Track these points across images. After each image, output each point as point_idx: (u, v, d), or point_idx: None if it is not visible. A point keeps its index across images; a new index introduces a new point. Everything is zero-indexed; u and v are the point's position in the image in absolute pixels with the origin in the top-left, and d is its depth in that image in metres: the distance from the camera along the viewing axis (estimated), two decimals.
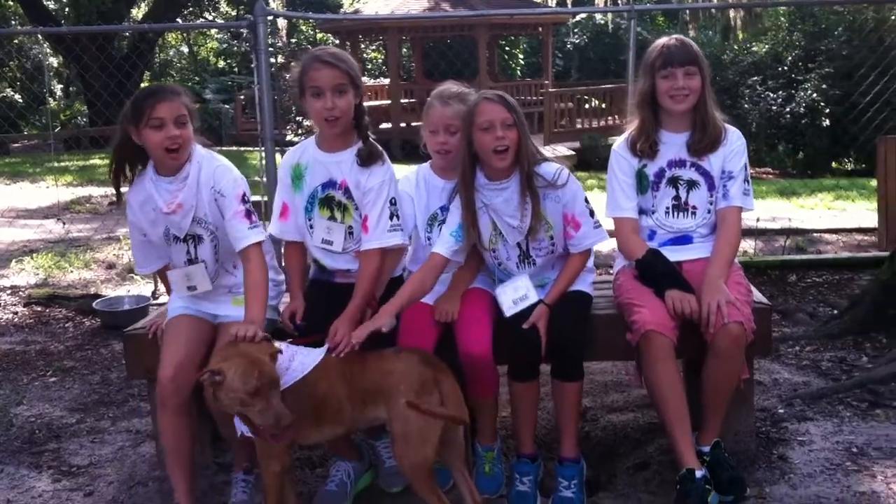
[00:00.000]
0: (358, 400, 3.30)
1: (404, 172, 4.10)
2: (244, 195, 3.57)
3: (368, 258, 3.61)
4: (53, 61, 30.31)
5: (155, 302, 6.69)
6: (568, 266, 3.74)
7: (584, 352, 3.69)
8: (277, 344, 3.26)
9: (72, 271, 8.58)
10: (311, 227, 3.78)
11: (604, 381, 5.08)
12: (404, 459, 3.22)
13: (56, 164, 17.82)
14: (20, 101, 27.38)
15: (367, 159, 3.62)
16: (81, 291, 7.66)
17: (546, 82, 22.26)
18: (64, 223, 10.11)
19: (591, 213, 3.69)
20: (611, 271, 4.26)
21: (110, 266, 8.75)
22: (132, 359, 4.00)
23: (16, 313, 7.01)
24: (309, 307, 3.73)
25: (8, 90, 27.19)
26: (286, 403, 3.08)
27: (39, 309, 7.08)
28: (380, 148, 3.64)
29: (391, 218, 3.63)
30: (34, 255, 9.09)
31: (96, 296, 7.16)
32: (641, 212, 3.90)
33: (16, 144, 23.94)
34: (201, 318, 3.73)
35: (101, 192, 13.36)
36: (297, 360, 3.28)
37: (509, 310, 3.68)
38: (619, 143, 3.94)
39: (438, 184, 3.89)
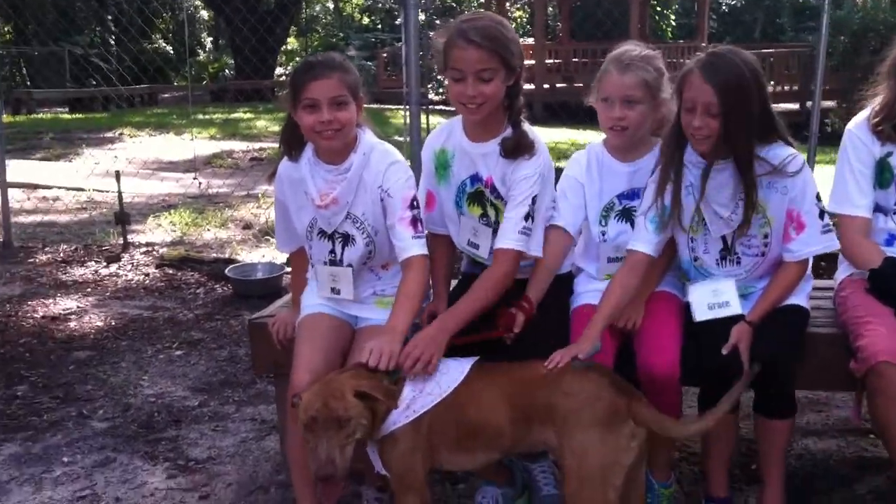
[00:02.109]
0: (523, 421, 2.70)
1: (549, 137, 3.43)
2: (413, 200, 3.00)
3: (500, 259, 3.01)
4: (204, 14, 30.74)
5: (289, 269, 6.24)
6: (781, 276, 3.01)
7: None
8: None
9: (208, 230, 8.31)
10: (460, 224, 3.20)
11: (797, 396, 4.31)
12: (577, 502, 2.61)
13: (200, 117, 17.87)
14: (171, 52, 27.87)
15: (512, 151, 2.98)
16: (216, 253, 7.35)
17: (702, 45, 20.96)
18: (200, 183, 9.89)
19: (822, 214, 2.94)
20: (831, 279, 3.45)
21: (247, 226, 8.44)
22: (259, 350, 3.51)
23: (147, 275, 6.73)
24: None
25: (160, 41, 27.71)
26: (431, 428, 2.65)
27: (171, 272, 6.77)
28: (531, 137, 3.00)
29: (526, 219, 2.99)
30: (172, 210, 8.87)
31: (229, 261, 6.81)
32: (878, 209, 3.12)
33: (165, 95, 24.33)
34: (341, 319, 3.20)
35: (242, 147, 13.20)
36: (431, 384, 2.72)
37: (702, 315, 3.00)
38: (856, 122, 3.16)
39: (616, 167, 3.20)
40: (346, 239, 3.09)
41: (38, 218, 8.84)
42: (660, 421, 2.63)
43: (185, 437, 4.14)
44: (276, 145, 13.31)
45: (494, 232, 3.09)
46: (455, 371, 2.75)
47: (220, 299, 6.18)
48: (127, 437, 4.13)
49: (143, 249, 7.40)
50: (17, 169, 10.61)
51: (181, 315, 5.86)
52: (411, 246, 2.96)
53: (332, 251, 3.12)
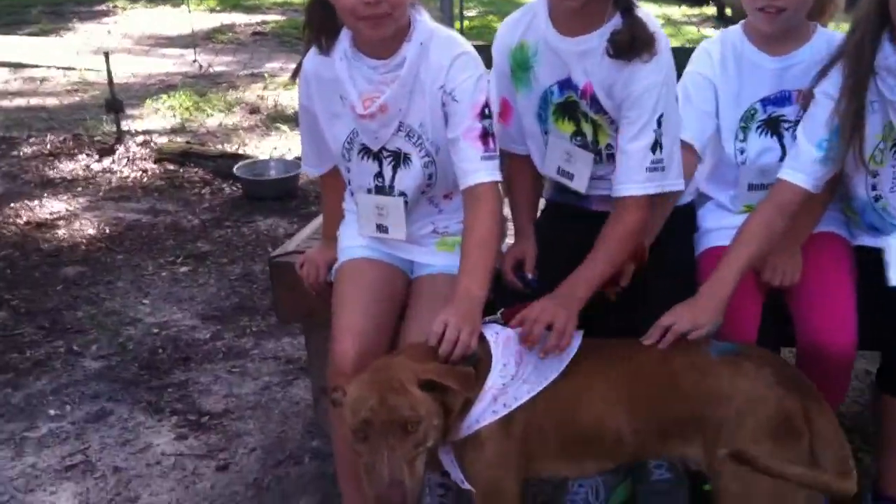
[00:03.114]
0: (655, 432, 1.99)
1: (683, 38, 2.57)
2: (485, 107, 2.19)
3: (626, 208, 2.20)
4: None
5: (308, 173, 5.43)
6: None
7: None
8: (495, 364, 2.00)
9: (211, 115, 7.45)
10: (546, 143, 2.40)
11: None
12: None
13: None
14: None
15: (625, 49, 2.13)
16: (221, 143, 6.53)
17: None
18: (201, 66, 8.98)
19: None
20: None
21: (254, 110, 7.58)
22: (284, 297, 2.78)
23: (145, 171, 5.94)
24: (545, 249, 2.39)
25: None
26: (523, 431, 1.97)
27: (172, 168, 5.97)
28: (651, 28, 2.14)
29: (654, 149, 2.17)
30: (171, 93, 8.00)
31: (237, 156, 6.01)
32: None
33: None
34: (392, 265, 2.45)
35: (244, 20, 12.18)
36: (527, 368, 1.99)
37: None
38: None
39: (762, 62, 2.37)
40: (398, 158, 2.31)
41: (23, 102, 7.98)
42: (839, 440, 1.90)
43: (195, 381, 3.45)
44: (281, 17, 12.45)
45: (597, 156, 2.30)
46: (546, 369, 2.02)
47: (229, 201, 5.41)
48: (126, 382, 3.44)
49: (140, 139, 6.57)
50: (2, 45, 9.73)
51: (185, 221, 5.10)
52: (478, 169, 2.16)
53: (380, 175, 2.35)
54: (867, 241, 2.35)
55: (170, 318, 3.96)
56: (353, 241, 2.46)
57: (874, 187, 2.27)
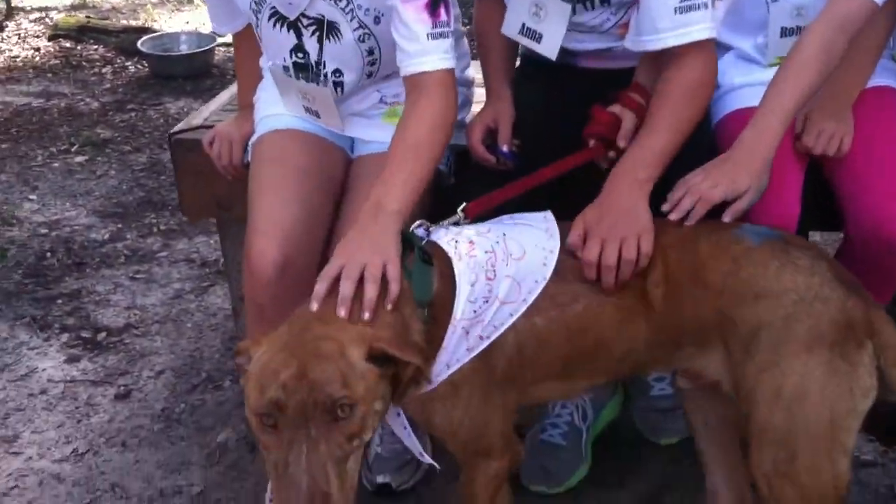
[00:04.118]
0: (669, 340, 1.52)
1: None
2: None
3: (680, 63, 1.62)
4: None
5: (223, 41, 4.77)
6: None
7: None
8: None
9: None
10: None
11: None
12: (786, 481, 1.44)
13: None
14: None
15: None
16: (126, 19, 5.79)
17: None
18: None
19: None
20: None
21: None
22: (189, 184, 2.20)
23: (37, 49, 5.20)
24: (525, 115, 1.84)
25: None
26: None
27: (69, 45, 5.25)
28: None
29: None
30: None
31: (143, 30, 5.29)
32: None
33: None
34: (326, 140, 1.89)
35: None
36: (503, 283, 1.45)
37: None
38: None
39: None
40: (322, 28, 1.73)
41: None
42: None
43: (90, 290, 2.88)
44: None
45: (583, 5, 1.73)
46: (536, 254, 1.49)
47: (134, 81, 4.74)
48: (7, 294, 2.86)
49: (34, 16, 5.79)
50: None
51: (83, 104, 4.44)
52: (425, 52, 1.57)
53: (300, 49, 1.77)
54: None
55: (62, 215, 3.36)
56: (275, 108, 1.89)
57: None
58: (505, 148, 1.77)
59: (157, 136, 4.03)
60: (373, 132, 1.87)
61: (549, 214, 1.55)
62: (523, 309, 1.44)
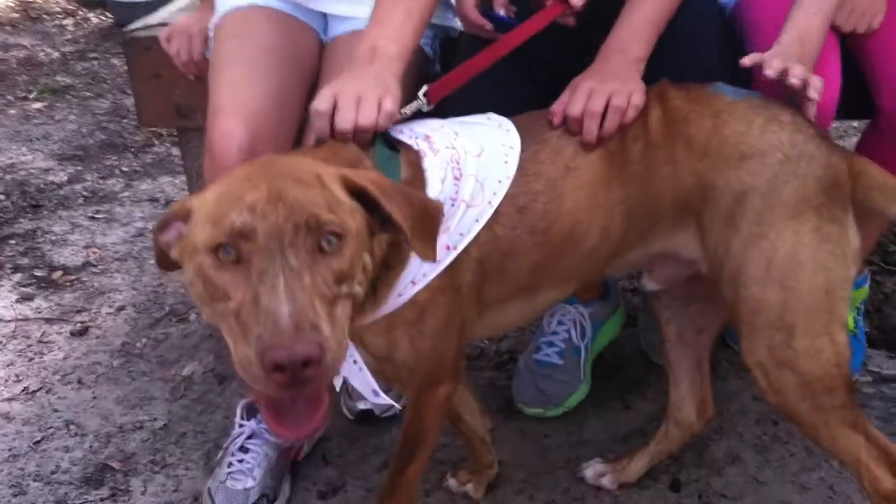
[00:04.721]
0: (644, 216, 1.34)
1: None
2: None
3: None
4: None
5: None
6: None
7: None
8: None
9: None
10: None
11: None
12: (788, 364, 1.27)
13: None
14: None
15: None
16: None
17: None
18: None
19: None
20: None
21: None
22: (144, 88, 1.99)
23: None
24: None
25: None
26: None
27: None
28: None
29: None
30: None
31: None
32: None
33: None
34: (297, 19, 1.69)
35: None
36: (459, 204, 1.24)
37: None
38: None
39: None
40: None
41: None
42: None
43: (46, 230, 2.68)
44: None
45: None
46: (495, 150, 1.28)
47: (97, 32, 4.52)
48: None
49: None
50: None
51: (42, 54, 4.21)
52: None
53: None
54: None
55: (17, 159, 3.15)
56: None
57: None
58: (502, 12, 1.56)
59: (119, 83, 3.82)
60: (348, 7, 1.66)
61: (493, 115, 1.35)
62: (490, 213, 1.24)
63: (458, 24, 1.77)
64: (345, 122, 1.19)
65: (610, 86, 1.29)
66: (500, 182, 1.26)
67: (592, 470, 1.67)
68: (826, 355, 1.26)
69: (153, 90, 1.96)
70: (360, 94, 1.19)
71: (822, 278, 1.25)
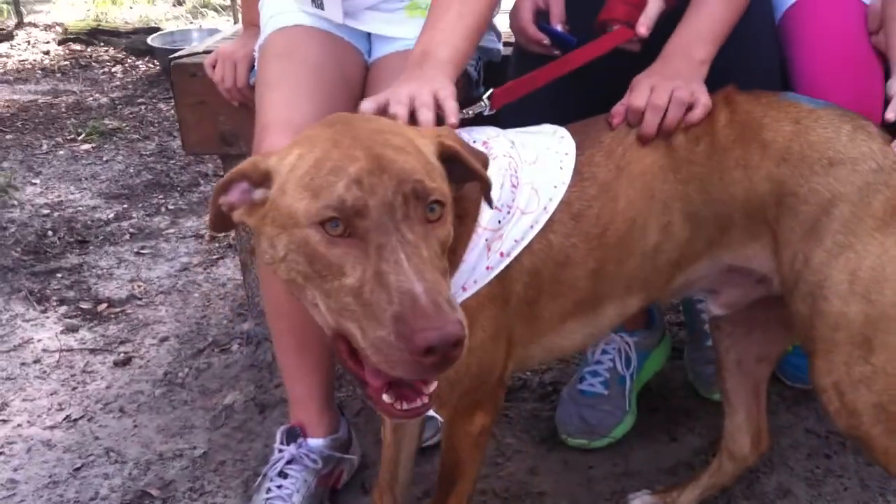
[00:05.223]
0: (712, 222, 1.31)
1: None
2: None
3: None
4: None
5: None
6: None
7: None
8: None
9: (130, 7, 6.55)
10: None
11: None
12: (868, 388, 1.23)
13: None
14: None
15: None
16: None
17: None
18: None
19: None
20: None
21: (180, 1, 6.69)
22: (189, 115, 2.02)
23: (46, 53, 5.09)
24: None
25: None
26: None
27: (78, 48, 5.13)
28: None
29: None
30: None
31: (154, 30, 5.16)
32: None
33: None
34: (342, 39, 1.70)
35: None
36: (515, 212, 1.23)
37: None
38: None
39: None
40: None
41: None
42: None
43: (92, 265, 2.70)
44: None
45: None
46: (549, 157, 1.27)
47: (144, 78, 4.61)
48: (3, 269, 2.68)
49: (43, 26, 5.69)
50: None
51: (91, 99, 4.30)
52: None
53: None
54: None
55: (65, 197, 3.19)
56: (285, 5, 1.70)
57: None
58: (560, 27, 1.55)
59: (166, 126, 3.88)
60: (394, 28, 1.68)
61: (550, 125, 1.35)
62: (545, 218, 1.23)
63: (500, 46, 1.78)
64: (402, 113, 1.18)
65: (673, 83, 1.29)
66: (555, 187, 1.25)
67: (640, 501, 1.63)
68: None
69: (198, 117, 1.99)
70: (412, 95, 1.19)
71: None
